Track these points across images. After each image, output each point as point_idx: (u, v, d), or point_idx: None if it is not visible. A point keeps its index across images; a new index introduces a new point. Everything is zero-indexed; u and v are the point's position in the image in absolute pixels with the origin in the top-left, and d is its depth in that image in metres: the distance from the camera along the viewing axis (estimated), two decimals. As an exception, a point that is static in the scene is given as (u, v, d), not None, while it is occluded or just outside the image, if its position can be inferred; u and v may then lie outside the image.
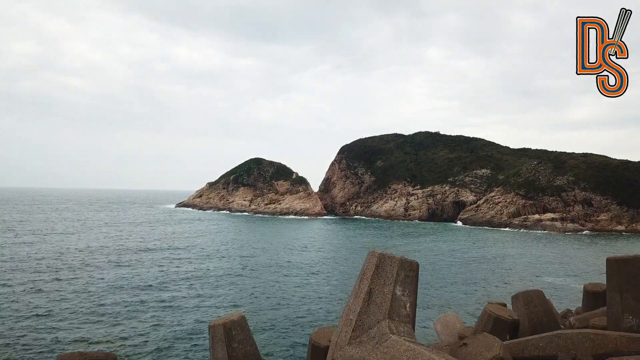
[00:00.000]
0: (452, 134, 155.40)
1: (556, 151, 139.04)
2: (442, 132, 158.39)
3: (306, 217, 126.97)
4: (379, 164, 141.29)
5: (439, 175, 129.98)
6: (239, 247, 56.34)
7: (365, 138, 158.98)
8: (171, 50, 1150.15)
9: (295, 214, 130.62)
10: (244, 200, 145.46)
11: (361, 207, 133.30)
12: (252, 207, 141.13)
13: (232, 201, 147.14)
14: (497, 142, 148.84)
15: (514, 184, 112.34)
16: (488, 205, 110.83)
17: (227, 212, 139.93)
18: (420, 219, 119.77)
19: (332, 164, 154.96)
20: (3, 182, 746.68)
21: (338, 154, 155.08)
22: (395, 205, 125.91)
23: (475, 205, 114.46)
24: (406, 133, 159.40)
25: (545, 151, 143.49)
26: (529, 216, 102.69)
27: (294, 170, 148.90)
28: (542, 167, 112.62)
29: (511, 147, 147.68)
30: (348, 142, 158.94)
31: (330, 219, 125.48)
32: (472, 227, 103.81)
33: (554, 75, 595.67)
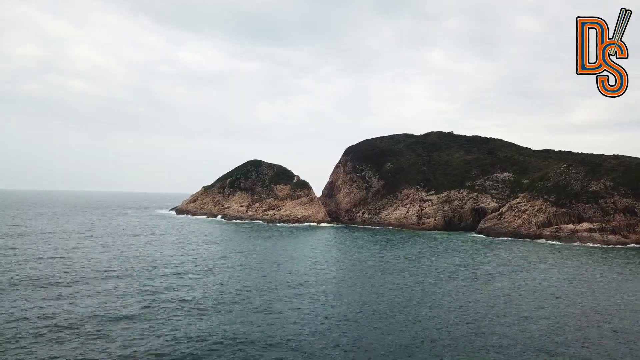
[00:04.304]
0: (467, 134, 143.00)
1: (582, 153, 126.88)
2: (454, 132, 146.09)
3: (308, 224, 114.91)
4: (388, 167, 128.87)
5: (455, 179, 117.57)
6: (226, 274, 44.16)
7: (373, 138, 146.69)
8: (175, 52, 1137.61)
9: (297, 221, 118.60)
10: (241, 205, 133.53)
11: (369, 214, 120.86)
12: (250, 213, 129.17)
13: (228, 207, 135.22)
14: (517, 143, 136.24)
15: (541, 189, 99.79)
16: (513, 214, 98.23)
17: (222, 219, 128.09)
18: (435, 228, 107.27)
19: (337, 166, 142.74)
20: (6, 185, 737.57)
21: (343, 155, 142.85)
22: (407, 212, 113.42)
23: (498, 213, 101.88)
24: (416, 133, 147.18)
25: (570, 153, 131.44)
26: (561, 226, 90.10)
27: (295, 174, 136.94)
28: (573, 171, 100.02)
29: (532, 148, 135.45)
30: (353, 143, 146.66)
31: (334, 226, 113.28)
32: (497, 238, 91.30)
33: (558, 77, 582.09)
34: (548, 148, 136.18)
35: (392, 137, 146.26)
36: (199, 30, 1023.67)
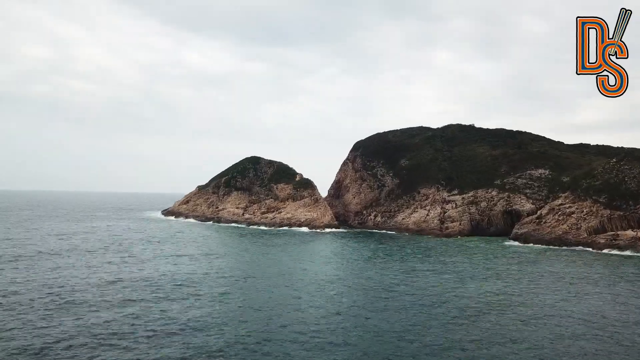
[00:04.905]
0: (491, 127, 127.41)
1: (623, 147, 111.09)
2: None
3: (313, 229, 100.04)
4: (404, 163, 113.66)
5: (481, 176, 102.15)
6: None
7: (385, 132, 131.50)
8: (182, 54, 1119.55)
9: (299, 225, 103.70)
10: (237, 207, 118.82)
11: (382, 218, 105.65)
12: (246, 216, 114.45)
13: (223, 209, 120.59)
14: (547, 137, 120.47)
15: (588, 188, 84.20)
16: (556, 217, 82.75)
17: (216, 223, 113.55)
18: (461, 233, 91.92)
19: (344, 163, 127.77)
20: (12, 185, 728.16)
21: (351, 151, 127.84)
22: (427, 215, 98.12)
23: (536, 216, 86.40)
24: (433, 126, 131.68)
25: (609, 147, 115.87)
26: (619, 232, 74.51)
27: (297, 171, 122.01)
28: (626, 166, 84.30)
29: (565, 142, 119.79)
30: (362, 138, 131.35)
31: (343, 232, 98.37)
32: (538, 246, 76.05)
33: (563, 78, 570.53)
34: (583, 142, 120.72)
35: (406, 130, 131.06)
36: (205, 31, 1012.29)
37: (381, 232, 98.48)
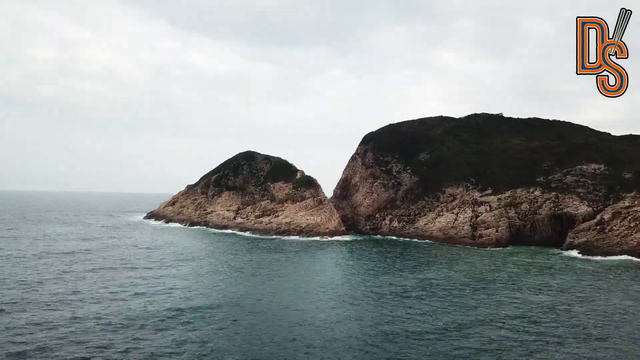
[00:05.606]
0: (522, 117, 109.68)
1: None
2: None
3: (316, 237, 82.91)
4: (424, 158, 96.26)
5: (519, 173, 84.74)
6: None
7: (400, 122, 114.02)
8: (188, 55, 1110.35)
9: (300, 231, 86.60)
10: (228, 210, 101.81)
11: (400, 223, 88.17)
12: (238, 220, 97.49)
13: (211, 211, 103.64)
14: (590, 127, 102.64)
15: (663, 187, 66.81)
16: (625, 223, 65.26)
17: (203, 227, 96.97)
18: (498, 242, 74.30)
19: (353, 158, 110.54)
20: (16, 186, 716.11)
21: (360, 144, 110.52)
22: (455, 220, 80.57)
23: (597, 221, 68.83)
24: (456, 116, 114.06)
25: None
26: None
27: (298, 168, 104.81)
28: None
29: (612, 133, 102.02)
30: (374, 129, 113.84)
31: (353, 240, 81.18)
32: (608, 259, 58.60)
33: (570, 78, 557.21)
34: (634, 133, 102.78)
35: (424, 120, 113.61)
36: (210, 32, 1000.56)
37: (399, 240, 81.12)
